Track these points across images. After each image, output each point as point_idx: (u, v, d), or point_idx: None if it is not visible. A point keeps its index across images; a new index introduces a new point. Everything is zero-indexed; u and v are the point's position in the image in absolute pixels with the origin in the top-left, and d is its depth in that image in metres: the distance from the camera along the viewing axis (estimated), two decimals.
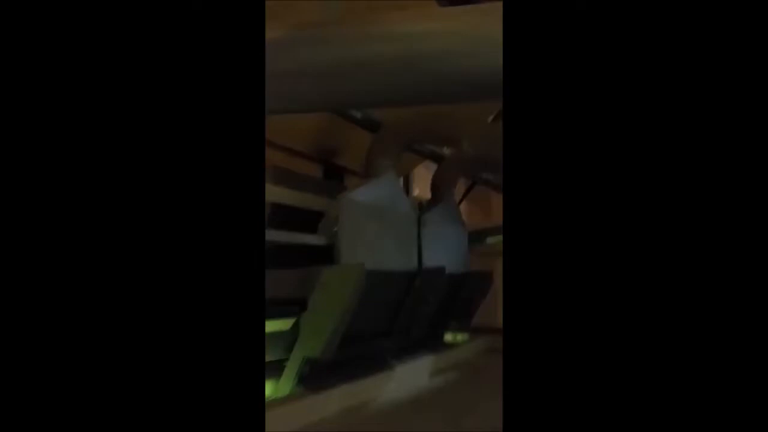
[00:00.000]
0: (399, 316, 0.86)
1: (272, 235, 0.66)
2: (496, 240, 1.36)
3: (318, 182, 1.02)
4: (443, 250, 0.97)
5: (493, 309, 1.76)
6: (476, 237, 1.38)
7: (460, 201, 1.56)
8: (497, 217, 1.79)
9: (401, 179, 1.96)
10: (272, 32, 0.48)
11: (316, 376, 0.70)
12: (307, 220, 0.77)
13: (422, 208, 1.02)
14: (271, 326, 0.65)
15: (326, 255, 0.70)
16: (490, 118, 1.43)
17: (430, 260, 0.92)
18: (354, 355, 0.78)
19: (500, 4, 0.44)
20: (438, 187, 1.04)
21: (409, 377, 0.86)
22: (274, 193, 0.73)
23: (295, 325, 0.69)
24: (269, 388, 0.68)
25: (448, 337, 1.23)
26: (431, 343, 1.03)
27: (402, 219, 0.84)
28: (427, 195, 1.15)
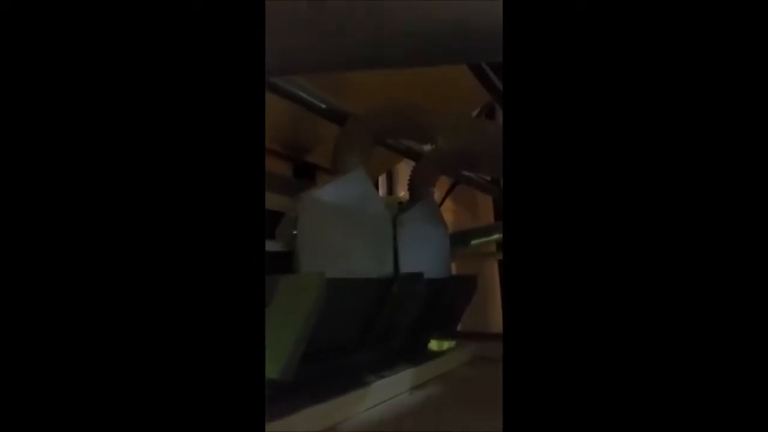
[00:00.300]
0: (374, 327, 0.78)
1: None
2: (481, 241, 1.30)
3: (286, 181, 0.94)
4: (422, 254, 0.90)
5: (482, 312, 1.70)
6: (461, 238, 1.32)
7: (442, 201, 1.49)
8: (484, 218, 1.73)
9: (384, 177, 1.90)
10: None
11: (277, 400, 0.61)
12: (272, 224, 0.69)
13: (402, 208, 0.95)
14: None
15: (285, 263, 0.62)
16: (475, 112, 1.37)
17: (408, 265, 0.85)
18: (322, 373, 0.70)
19: None
20: (416, 186, 0.96)
21: (387, 393, 0.78)
22: None
23: None
24: None
25: (434, 345, 1.16)
26: (412, 354, 0.95)
27: (374, 220, 0.77)
28: None
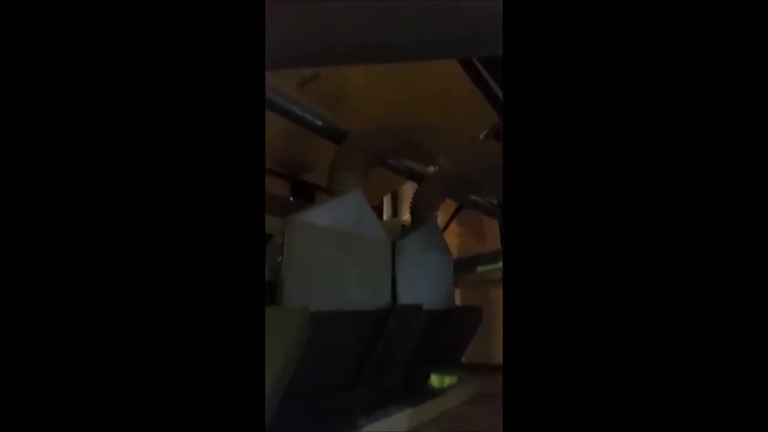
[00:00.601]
0: (367, 364, 0.72)
1: None
2: (487, 268, 1.23)
3: (282, 201, 0.89)
4: (423, 283, 0.84)
5: (487, 343, 1.62)
6: (466, 264, 1.25)
7: (446, 225, 1.43)
8: (491, 242, 1.67)
9: (389, 199, 1.85)
10: None
11: None
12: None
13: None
14: None
15: (268, 293, 0.56)
16: (482, 134, 1.32)
17: (407, 294, 0.79)
18: (308, 416, 0.63)
19: None
20: (418, 209, 0.91)
21: None
22: None
23: None
24: None
25: (435, 380, 1.08)
26: (410, 391, 0.88)
27: (371, 246, 0.71)
28: None
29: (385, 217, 1.81)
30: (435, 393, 0.96)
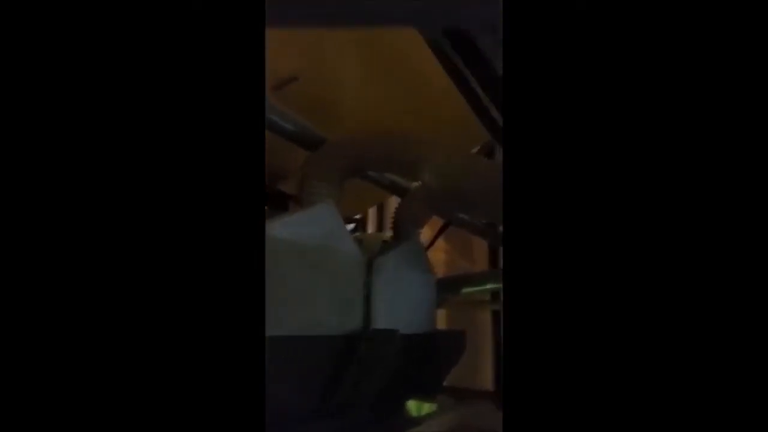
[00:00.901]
0: (336, 393, 0.65)
1: None
2: (473, 290, 1.17)
3: None
4: (401, 305, 0.78)
5: (472, 366, 1.55)
6: (452, 285, 1.20)
7: (431, 242, 1.38)
8: (479, 260, 1.62)
9: (376, 212, 1.79)
10: None
11: None
12: None
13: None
14: None
15: None
16: (475, 148, 1.28)
17: (383, 317, 0.72)
18: None
19: None
20: (401, 225, 0.85)
21: None
22: None
23: None
24: None
25: (413, 407, 1.01)
26: (383, 422, 0.81)
27: (342, 264, 0.65)
28: None
29: (369, 230, 1.76)
30: (412, 423, 0.90)
